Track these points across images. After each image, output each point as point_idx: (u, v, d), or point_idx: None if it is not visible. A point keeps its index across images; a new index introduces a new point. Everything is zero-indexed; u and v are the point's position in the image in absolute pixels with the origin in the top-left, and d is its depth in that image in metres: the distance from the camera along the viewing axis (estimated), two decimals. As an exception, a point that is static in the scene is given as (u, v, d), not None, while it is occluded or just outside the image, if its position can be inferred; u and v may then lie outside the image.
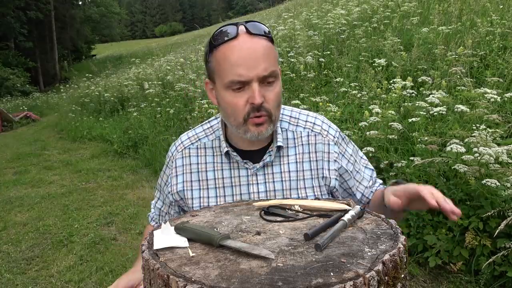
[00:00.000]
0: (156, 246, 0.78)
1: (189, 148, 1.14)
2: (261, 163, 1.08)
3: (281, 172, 1.08)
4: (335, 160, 1.11)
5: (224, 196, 1.09)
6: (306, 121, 1.14)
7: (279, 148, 1.08)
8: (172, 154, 1.16)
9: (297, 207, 0.93)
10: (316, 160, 1.10)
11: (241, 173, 1.09)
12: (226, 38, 0.95)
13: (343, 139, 1.17)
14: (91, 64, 20.84)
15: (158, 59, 10.34)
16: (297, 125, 1.12)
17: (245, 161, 1.08)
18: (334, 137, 1.13)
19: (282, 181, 1.08)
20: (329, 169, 1.10)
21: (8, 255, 3.13)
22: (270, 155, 1.08)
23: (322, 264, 0.65)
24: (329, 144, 1.11)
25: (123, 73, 12.68)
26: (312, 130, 1.12)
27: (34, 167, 6.24)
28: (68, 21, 31.98)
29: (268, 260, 0.68)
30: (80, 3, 35.88)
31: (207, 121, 1.20)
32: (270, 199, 1.03)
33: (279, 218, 0.90)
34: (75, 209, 4.09)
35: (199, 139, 1.14)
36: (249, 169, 1.08)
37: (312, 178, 1.09)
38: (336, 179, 1.11)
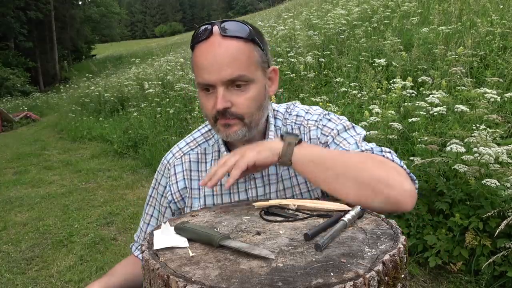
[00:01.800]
0: (156, 246, 0.78)
1: (189, 154, 1.11)
2: None
3: (276, 173, 1.06)
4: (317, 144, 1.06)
5: (222, 203, 1.08)
6: (293, 115, 1.10)
7: None
8: (169, 162, 1.12)
9: (297, 207, 0.93)
10: None
11: (239, 180, 1.03)
12: (200, 39, 0.94)
13: (328, 119, 1.08)
14: (91, 64, 20.85)
15: (158, 59, 10.35)
16: (286, 124, 1.10)
17: None
18: (315, 121, 1.07)
19: (277, 182, 1.07)
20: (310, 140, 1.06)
21: (8, 255, 3.13)
22: None
23: (322, 264, 0.65)
24: (310, 131, 1.06)
25: (123, 73, 12.68)
26: (295, 123, 1.09)
27: (34, 167, 6.24)
28: (68, 21, 31.99)
29: (268, 260, 0.68)
30: (80, 3, 35.91)
31: (204, 125, 1.16)
32: (270, 199, 1.03)
33: (279, 218, 0.90)
34: (75, 209, 4.09)
35: (199, 145, 1.12)
36: (246, 175, 1.04)
37: (290, 177, 1.07)
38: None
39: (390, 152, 0.99)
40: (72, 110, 10.40)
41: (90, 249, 3.13)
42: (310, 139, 1.06)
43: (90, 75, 13.77)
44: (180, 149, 1.13)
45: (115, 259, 2.94)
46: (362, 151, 0.99)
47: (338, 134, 1.04)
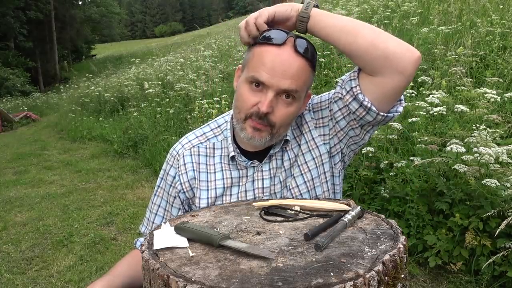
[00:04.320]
0: (156, 246, 0.78)
1: (198, 146, 1.14)
2: (266, 158, 1.10)
3: (281, 166, 1.11)
4: (315, 127, 1.11)
5: (230, 195, 1.10)
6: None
7: (285, 142, 1.10)
8: (178, 153, 1.14)
9: (297, 207, 0.93)
10: (300, 144, 1.12)
11: (248, 172, 1.10)
12: (272, 41, 0.97)
13: (315, 99, 1.15)
14: (91, 64, 20.83)
15: (158, 59, 10.35)
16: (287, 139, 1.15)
17: (251, 161, 1.10)
18: (306, 108, 1.13)
19: (281, 173, 1.10)
20: (313, 139, 1.11)
21: (8, 255, 3.13)
22: (274, 148, 1.10)
23: (322, 264, 0.66)
24: (303, 115, 1.13)
25: (123, 73, 12.67)
26: (293, 129, 1.15)
27: (34, 167, 6.24)
28: (68, 21, 31.98)
29: (268, 260, 0.68)
30: (80, 3, 35.89)
31: (213, 120, 1.20)
32: (270, 199, 1.03)
33: (279, 218, 0.90)
34: (75, 209, 4.09)
35: (208, 139, 1.14)
36: (255, 166, 1.10)
37: (310, 150, 1.11)
38: (324, 143, 1.11)
39: None
40: (72, 110, 10.40)
41: (90, 249, 3.13)
42: (307, 122, 1.12)
43: (90, 75, 13.76)
44: (189, 141, 1.15)
45: (115, 259, 2.94)
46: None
47: (322, 96, 1.12)
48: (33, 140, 9.14)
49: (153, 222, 1.18)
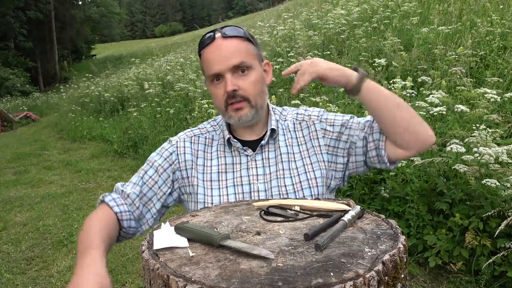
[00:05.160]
0: (156, 246, 0.78)
1: (199, 136, 1.24)
2: (258, 148, 1.19)
3: (275, 156, 1.19)
4: (323, 136, 1.20)
5: (226, 180, 1.17)
6: (291, 114, 1.26)
7: (272, 132, 1.19)
8: (179, 138, 1.23)
9: (297, 207, 0.93)
10: (305, 143, 1.20)
11: (242, 160, 1.18)
12: (205, 44, 1.13)
13: (329, 113, 1.24)
14: (91, 64, 20.84)
15: (158, 59, 10.35)
16: (285, 120, 1.24)
17: (244, 148, 1.18)
18: (317, 116, 1.22)
19: (276, 163, 1.18)
20: (319, 146, 1.19)
21: (8, 255, 3.13)
22: (264, 139, 1.18)
23: (322, 264, 0.65)
24: (314, 124, 1.21)
25: (123, 73, 12.68)
26: (296, 119, 1.24)
27: (34, 167, 6.24)
28: (68, 21, 31.98)
29: (268, 260, 0.68)
30: (80, 3, 35.90)
31: (212, 119, 1.30)
32: (270, 199, 1.03)
33: (279, 218, 0.90)
34: (75, 209, 4.09)
35: (208, 131, 1.25)
36: (248, 155, 1.18)
37: (302, 158, 1.18)
38: (328, 153, 1.18)
39: None
40: (72, 110, 10.40)
41: (90, 249, 3.13)
42: (316, 130, 1.20)
43: (90, 75, 13.77)
44: (191, 130, 1.27)
45: (115, 259, 2.94)
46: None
47: (348, 120, 1.19)
48: (33, 140, 9.15)
49: (134, 183, 1.17)
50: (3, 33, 25.68)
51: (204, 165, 1.19)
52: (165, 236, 0.81)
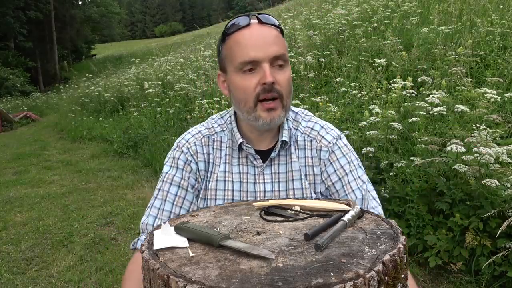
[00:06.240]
0: (156, 246, 0.78)
1: (208, 137, 1.13)
2: (268, 161, 1.09)
3: (286, 172, 1.09)
4: (318, 165, 1.10)
5: (233, 190, 1.09)
6: (306, 126, 1.13)
7: (283, 143, 1.09)
8: (188, 143, 1.12)
9: (297, 207, 0.93)
10: (309, 165, 1.10)
11: (249, 171, 1.09)
12: (238, 27, 1.00)
13: (340, 148, 1.11)
14: (91, 64, 20.84)
15: (158, 59, 10.35)
16: (297, 129, 1.13)
17: (256, 156, 1.08)
18: (329, 143, 1.10)
19: (286, 181, 1.09)
20: (319, 174, 1.10)
21: (8, 255, 3.13)
22: (274, 151, 1.09)
23: (322, 264, 0.65)
24: (321, 150, 1.10)
25: (123, 73, 12.68)
26: (308, 136, 1.12)
27: (34, 167, 6.24)
28: (68, 21, 31.98)
29: (268, 260, 0.68)
30: (80, 3, 35.90)
31: (218, 116, 1.19)
32: (270, 199, 1.03)
33: (279, 218, 0.90)
34: (75, 209, 4.09)
35: (216, 132, 1.14)
36: (257, 167, 1.09)
37: (309, 182, 1.10)
38: (323, 182, 1.10)
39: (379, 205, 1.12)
40: (72, 110, 10.41)
41: (90, 249, 3.13)
42: (319, 157, 1.10)
43: (90, 75, 13.78)
44: (199, 131, 1.14)
45: (115, 259, 2.94)
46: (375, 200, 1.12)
47: (344, 176, 1.09)
48: (33, 140, 9.14)
49: (163, 210, 1.08)
50: (3, 33, 25.68)
51: (211, 172, 1.10)
52: (165, 236, 0.81)
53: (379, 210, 1.10)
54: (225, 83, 1.08)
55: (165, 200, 1.09)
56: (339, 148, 1.11)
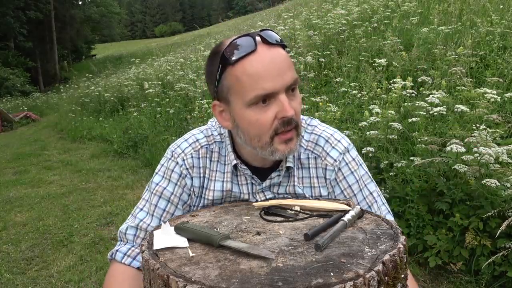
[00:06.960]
0: (156, 246, 0.78)
1: (206, 147, 1.04)
2: (267, 182, 1.02)
3: (287, 193, 1.04)
4: (328, 188, 1.04)
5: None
6: (309, 140, 1.04)
7: (288, 168, 1.01)
8: (185, 153, 1.03)
9: (297, 207, 0.93)
10: (315, 187, 1.04)
11: (248, 189, 1.03)
12: (244, 53, 0.86)
13: (347, 164, 1.03)
14: (91, 64, 20.83)
15: (158, 59, 10.35)
16: (301, 144, 1.03)
17: (253, 176, 1.01)
18: (334, 161, 1.02)
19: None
20: (326, 196, 1.04)
21: (8, 255, 3.13)
22: (278, 175, 1.01)
23: (322, 264, 0.65)
24: (326, 169, 1.02)
25: (123, 73, 12.68)
26: (312, 152, 1.03)
27: (34, 167, 6.23)
28: (68, 21, 31.98)
29: (268, 260, 0.68)
30: (80, 3, 35.91)
31: (211, 127, 1.09)
32: (270, 199, 1.03)
33: (279, 218, 0.90)
34: (75, 209, 4.09)
35: (215, 142, 1.05)
36: (255, 185, 1.02)
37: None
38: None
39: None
40: (72, 110, 10.40)
41: (90, 249, 3.13)
42: (325, 177, 1.03)
43: (90, 75, 13.77)
44: (197, 140, 1.05)
45: (115, 259, 2.93)
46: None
47: (354, 195, 1.03)
48: (33, 140, 9.14)
49: (148, 225, 1.02)
50: (3, 33, 25.68)
51: (206, 188, 1.03)
52: (165, 236, 0.81)
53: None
54: (224, 114, 0.95)
55: (152, 215, 1.02)
56: (346, 164, 1.02)
